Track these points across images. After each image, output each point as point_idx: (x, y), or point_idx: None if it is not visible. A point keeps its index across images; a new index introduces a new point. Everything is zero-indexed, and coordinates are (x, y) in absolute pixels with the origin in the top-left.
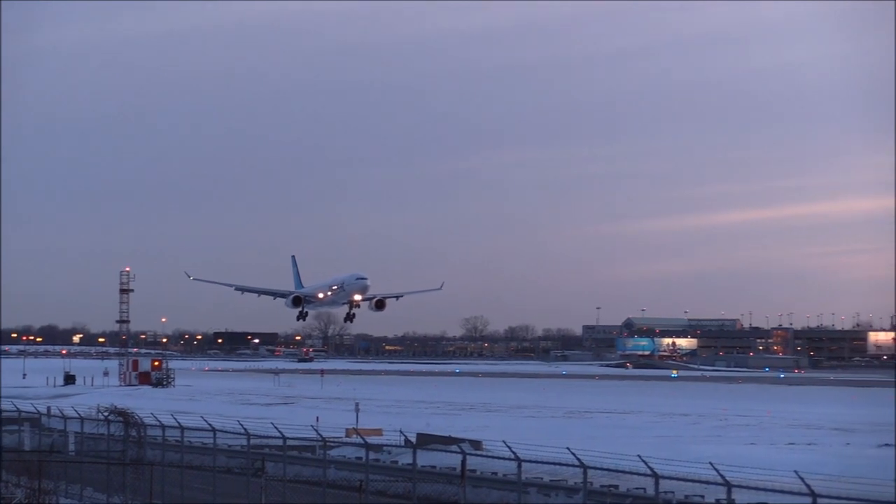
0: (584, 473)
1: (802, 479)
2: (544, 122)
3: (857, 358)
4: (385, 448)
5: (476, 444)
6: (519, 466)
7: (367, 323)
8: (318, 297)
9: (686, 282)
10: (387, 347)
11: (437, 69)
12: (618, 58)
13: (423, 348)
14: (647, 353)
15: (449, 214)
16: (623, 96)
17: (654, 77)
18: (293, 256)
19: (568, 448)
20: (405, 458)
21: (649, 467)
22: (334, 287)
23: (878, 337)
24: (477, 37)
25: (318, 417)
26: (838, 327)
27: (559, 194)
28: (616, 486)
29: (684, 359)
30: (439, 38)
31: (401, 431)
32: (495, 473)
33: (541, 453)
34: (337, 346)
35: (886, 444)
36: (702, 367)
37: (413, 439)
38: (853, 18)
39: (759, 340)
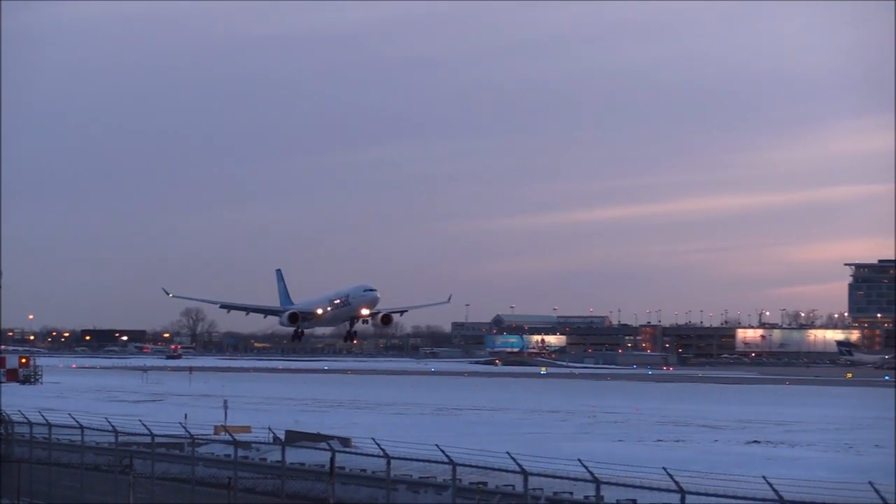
0: (454, 470)
1: (671, 475)
2: (414, 118)
3: (726, 355)
4: (254, 445)
5: (345, 442)
6: (388, 464)
7: (236, 320)
8: (316, 314)
9: (555, 279)
10: (255, 344)
11: (307, 66)
12: (478, 56)
13: (292, 345)
14: (516, 350)
15: (322, 209)
16: (487, 93)
17: (517, 75)
18: (278, 270)
19: (437, 445)
20: (274, 456)
21: (518, 464)
22: (336, 301)
23: (746, 334)
24: (340, 37)
25: (186, 415)
26: (707, 324)
27: (424, 191)
28: (485, 483)
29: (553, 356)
30: (307, 35)
31: (269, 429)
32: (364, 471)
33: (410, 450)
34: (205, 343)
35: (755, 441)
36: (571, 364)
37: (282, 436)
38: (707, 20)
39: (627, 337)
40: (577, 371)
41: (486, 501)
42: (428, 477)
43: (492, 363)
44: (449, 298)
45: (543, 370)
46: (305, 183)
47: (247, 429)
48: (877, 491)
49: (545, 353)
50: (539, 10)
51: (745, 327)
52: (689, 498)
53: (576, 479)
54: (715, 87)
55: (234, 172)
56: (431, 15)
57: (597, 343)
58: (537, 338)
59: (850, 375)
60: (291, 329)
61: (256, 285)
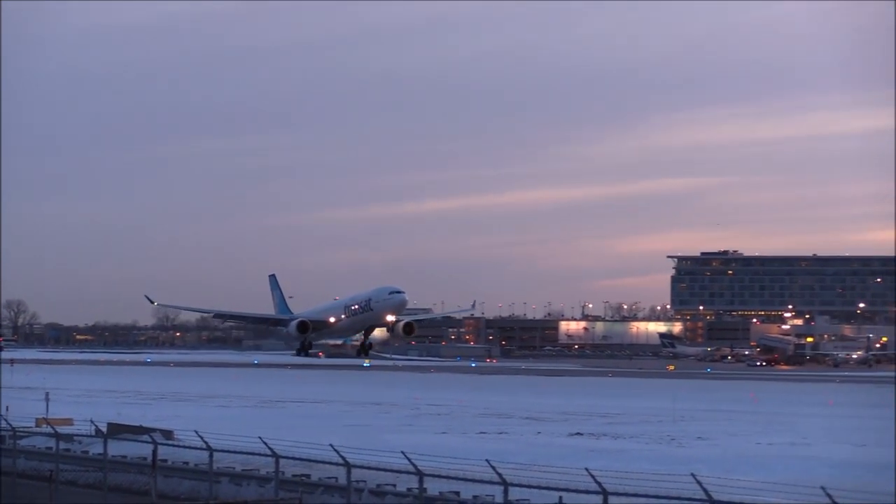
0: (276, 463)
1: (494, 467)
2: (243, 111)
3: (549, 347)
4: (76, 438)
5: (167, 434)
6: (210, 456)
7: (57, 310)
8: (329, 322)
9: (378, 271)
10: (77, 337)
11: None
12: (308, 47)
13: (115, 337)
14: (339, 342)
15: (154, 202)
16: (315, 86)
17: (348, 66)
18: (272, 276)
19: (260, 437)
20: (96, 448)
21: (341, 456)
22: (354, 307)
23: (570, 326)
24: (165, 28)
25: (7, 407)
26: (530, 316)
27: (247, 184)
28: (308, 476)
29: (376, 348)
30: (157, 24)
31: (91, 421)
32: (187, 463)
33: (233, 443)
34: (27, 335)
35: (578, 433)
36: (394, 356)
37: (104, 429)
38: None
39: (451, 329)
40: (400, 363)
41: (310, 493)
42: (251, 469)
43: (315, 355)
44: (473, 304)
45: (367, 362)
46: (125, 176)
47: (69, 421)
48: (699, 482)
49: (368, 346)
50: (370, 4)
51: (568, 319)
52: (512, 490)
53: (399, 472)
54: (537, 80)
55: (57, 164)
56: (269, 6)
57: (420, 335)
58: None
59: (672, 368)
60: (300, 339)
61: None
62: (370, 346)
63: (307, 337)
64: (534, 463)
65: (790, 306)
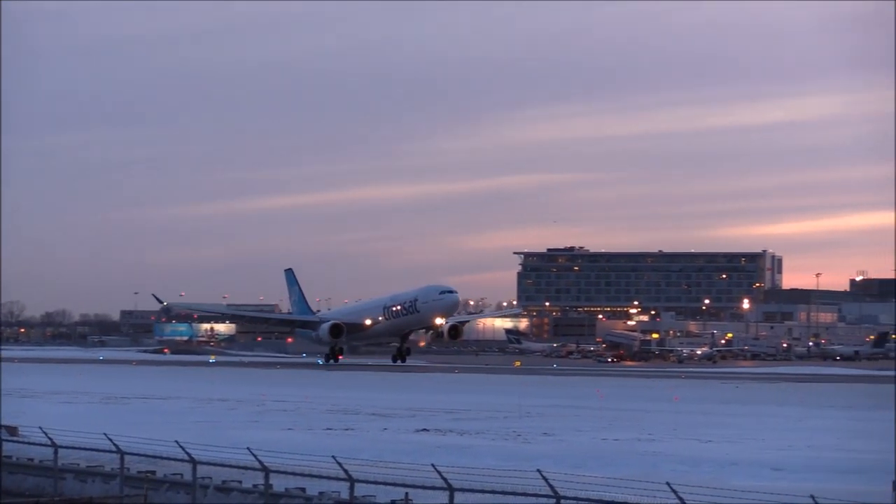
0: (122, 459)
1: (340, 464)
2: (95, 104)
3: (395, 343)
4: None
5: (12, 430)
6: (55, 452)
7: None
8: (365, 325)
9: (225, 267)
10: None
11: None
12: (159, 41)
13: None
14: (185, 338)
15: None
16: (170, 80)
17: (198, 61)
18: (290, 270)
19: (105, 434)
20: None
21: (187, 453)
22: (396, 308)
23: None
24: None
25: None
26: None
27: (88, 179)
28: (154, 472)
29: (223, 344)
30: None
31: None
32: (31, 460)
33: (78, 439)
34: None
35: (424, 429)
36: (241, 352)
37: None
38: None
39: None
40: (246, 359)
41: (155, 490)
42: (96, 466)
43: (160, 352)
44: (513, 305)
45: (213, 359)
46: None
47: None
48: (545, 479)
49: (214, 342)
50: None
51: None
52: (358, 486)
53: (245, 468)
54: (385, 77)
55: None
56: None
57: (267, 331)
58: (207, 326)
59: (518, 363)
60: (330, 344)
61: None
62: (409, 350)
63: (339, 342)
64: (380, 459)
65: (636, 302)
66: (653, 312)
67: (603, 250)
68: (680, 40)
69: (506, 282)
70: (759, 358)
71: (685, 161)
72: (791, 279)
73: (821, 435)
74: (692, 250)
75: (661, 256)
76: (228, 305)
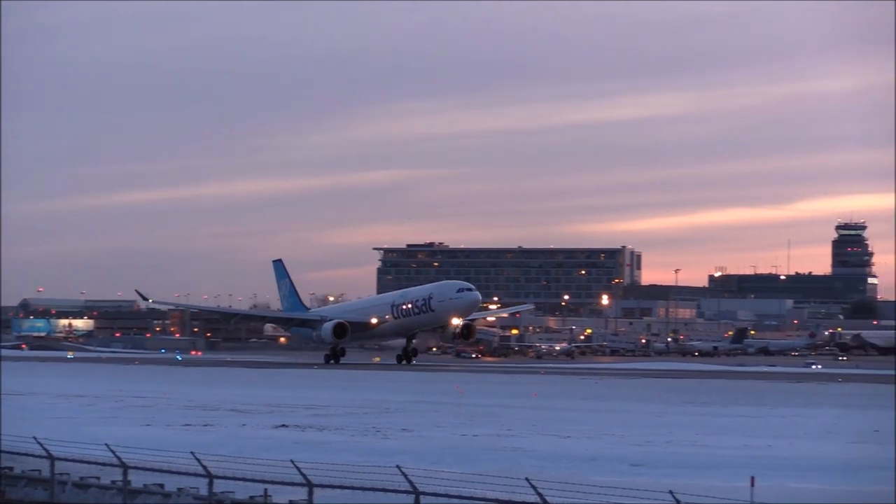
0: None
1: (199, 460)
2: None
3: (254, 339)
4: None
5: None
6: None
7: None
8: (371, 324)
9: (83, 262)
10: None
11: None
12: (12, 37)
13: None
14: (43, 334)
15: None
16: (24, 74)
17: (57, 55)
18: (279, 261)
19: None
20: None
21: (44, 448)
22: (407, 305)
23: None
24: None
25: None
26: (235, 308)
27: None
28: (11, 469)
29: (80, 340)
30: None
31: None
32: None
33: None
34: None
35: (283, 425)
36: (98, 348)
37: None
38: None
39: (156, 321)
40: (104, 355)
41: (12, 487)
42: None
43: (18, 347)
44: (534, 306)
45: (70, 354)
46: None
47: None
48: (404, 474)
49: (72, 338)
50: None
51: (274, 311)
52: (217, 482)
53: (104, 464)
54: (244, 72)
55: None
56: None
57: (125, 327)
58: (65, 322)
59: (378, 359)
60: (333, 344)
61: None
62: (416, 351)
63: (343, 342)
64: (239, 455)
65: (495, 298)
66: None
67: (462, 246)
68: (536, 38)
69: (366, 277)
70: (618, 353)
71: (545, 157)
72: (650, 275)
73: (679, 430)
74: (551, 246)
75: (521, 252)
76: (87, 301)
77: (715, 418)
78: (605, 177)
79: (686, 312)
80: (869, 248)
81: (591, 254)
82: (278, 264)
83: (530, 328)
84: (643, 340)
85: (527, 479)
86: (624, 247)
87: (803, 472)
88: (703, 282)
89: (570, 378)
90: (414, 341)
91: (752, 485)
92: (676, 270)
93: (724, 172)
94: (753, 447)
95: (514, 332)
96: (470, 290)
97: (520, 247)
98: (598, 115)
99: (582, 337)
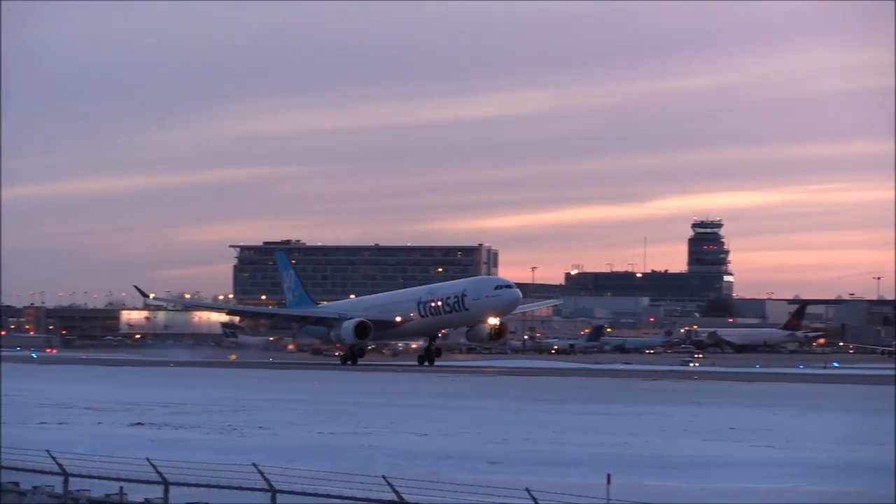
0: None
1: (54, 458)
2: None
3: (110, 337)
4: None
5: None
6: None
7: None
8: (395, 323)
9: None
10: None
11: None
12: None
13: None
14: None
15: None
16: None
17: None
18: (282, 252)
19: None
20: None
21: None
22: (436, 303)
23: (131, 316)
24: None
25: None
26: (91, 306)
27: None
28: None
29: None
30: None
31: None
32: None
33: None
34: None
35: (139, 423)
36: None
37: None
38: None
39: (11, 319)
40: None
41: None
42: None
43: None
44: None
45: None
46: None
47: None
48: (261, 472)
49: None
50: None
51: (129, 309)
52: (72, 481)
53: None
54: (103, 67)
55: None
56: None
57: None
58: None
59: (234, 357)
60: (354, 344)
61: None
62: (439, 351)
63: (365, 343)
64: (94, 453)
65: (353, 295)
66: None
67: (320, 243)
68: (396, 35)
69: (222, 275)
70: (476, 351)
71: (405, 155)
72: (507, 273)
73: (536, 428)
74: (409, 244)
75: (378, 250)
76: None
77: (572, 416)
78: (464, 175)
79: (542, 310)
80: (725, 246)
81: (449, 251)
82: (281, 255)
83: None
84: None
85: (384, 477)
86: (481, 244)
87: (659, 469)
88: (560, 280)
89: (427, 376)
90: (435, 341)
91: (609, 482)
92: (533, 268)
93: (582, 170)
94: (610, 444)
95: None
96: (509, 286)
97: (377, 244)
98: (459, 113)
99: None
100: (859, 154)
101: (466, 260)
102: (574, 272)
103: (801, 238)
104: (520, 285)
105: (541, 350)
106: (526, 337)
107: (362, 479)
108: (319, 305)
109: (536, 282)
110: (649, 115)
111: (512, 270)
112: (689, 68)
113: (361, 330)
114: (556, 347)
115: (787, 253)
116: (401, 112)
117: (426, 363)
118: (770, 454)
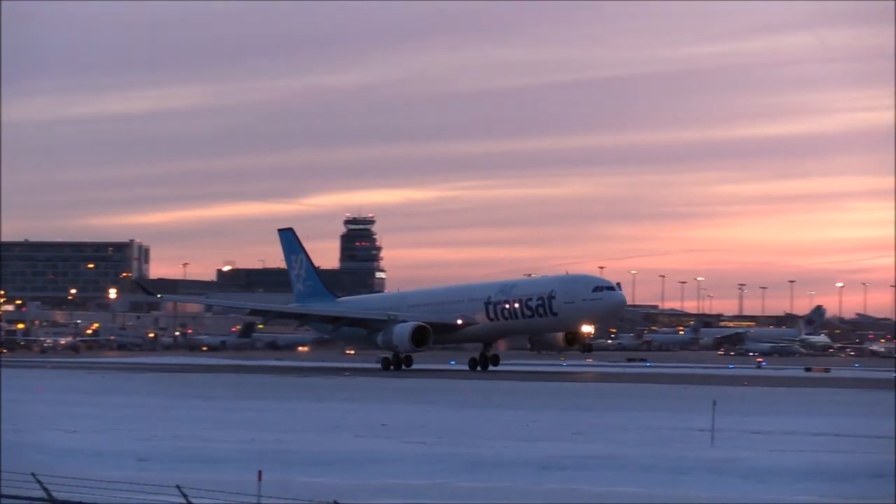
0: None
1: None
2: None
3: None
4: None
5: None
6: None
7: None
8: (457, 326)
9: None
10: None
11: None
12: None
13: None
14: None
15: None
16: None
17: None
18: (289, 230)
19: None
20: None
21: None
22: (513, 305)
23: None
24: None
25: None
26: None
27: None
28: None
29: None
30: None
31: None
32: None
33: None
34: None
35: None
36: None
37: None
38: None
39: None
40: None
41: None
42: None
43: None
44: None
45: None
46: None
47: None
48: None
49: None
50: None
51: None
52: None
53: None
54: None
55: None
56: None
57: None
58: None
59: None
60: (409, 352)
61: None
62: (496, 357)
63: (420, 351)
64: None
65: (2, 292)
66: (18, 302)
67: None
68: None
69: None
70: (126, 348)
71: (55, 150)
72: (159, 269)
73: (186, 424)
74: (59, 240)
75: (28, 245)
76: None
77: (223, 412)
78: (115, 170)
79: (194, 307)
80: (377, 243)
81: (100, 247)
82: (287, 234)
83: (36, 322)
84: (151, 335)
85: (33, 475)
86: (132, 240)
87: (310, 465)
88: (211, 276)
89: (76, 372)
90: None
91: (260, 479)
92: (185, 264)
93: (235, 166)
94: (261, 441)
95: (21, 326)
96: (611, 288)
97: (26, 240)
98: (111, 108)
99: (89, 331)
100: (512, 152)
101: (118, 256)
102: (227, 268)
103: (452, 234)
104: (171, 281)
105: (192, 347)
106: (177, 334)
107: (11, 476)
108: (340, 299)
109: (188, 278)
110: (303, 111)
111: (164, 266)
112: (341, 66)
113: (420, 336)
114: (204, 347)
115: (439, 250)
116: (56, 105)
117: (479, 368)
118: (422, 450)
